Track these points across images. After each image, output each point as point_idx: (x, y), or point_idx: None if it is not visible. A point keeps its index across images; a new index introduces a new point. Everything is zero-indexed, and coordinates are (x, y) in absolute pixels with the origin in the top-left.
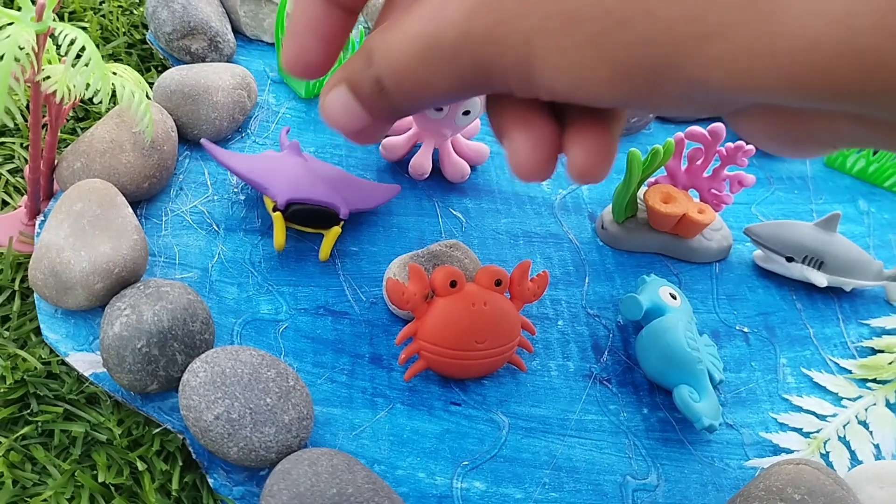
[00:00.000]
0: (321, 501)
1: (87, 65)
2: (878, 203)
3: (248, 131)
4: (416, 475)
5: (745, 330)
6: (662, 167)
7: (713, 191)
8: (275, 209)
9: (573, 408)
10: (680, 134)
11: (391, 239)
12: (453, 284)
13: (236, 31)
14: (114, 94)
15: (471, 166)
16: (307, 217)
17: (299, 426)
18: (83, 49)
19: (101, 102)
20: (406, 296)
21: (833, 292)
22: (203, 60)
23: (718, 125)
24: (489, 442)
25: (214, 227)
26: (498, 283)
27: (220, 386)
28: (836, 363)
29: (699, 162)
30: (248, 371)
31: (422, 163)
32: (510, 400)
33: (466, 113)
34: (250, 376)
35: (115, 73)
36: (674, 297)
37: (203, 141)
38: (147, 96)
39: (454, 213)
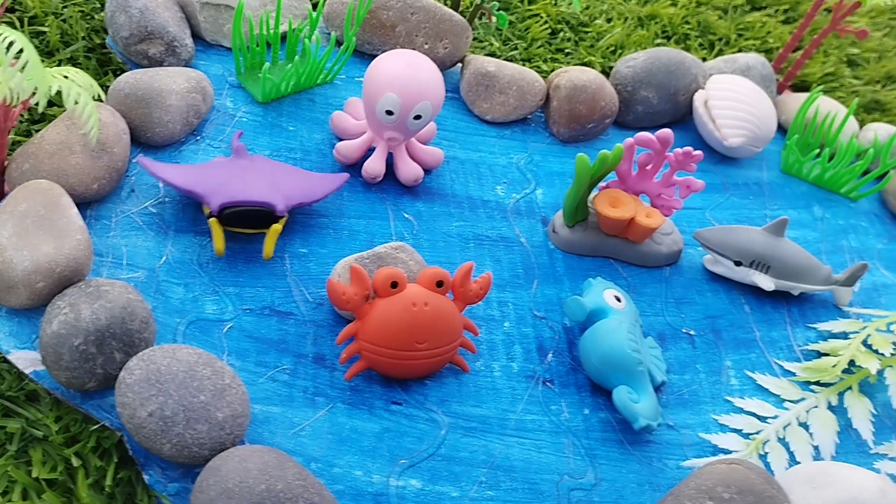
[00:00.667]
0: (249, 497)
1: (23, 68)
2: (833, 209)
3: (204, 135)
4: (353, 473)
5: (692, 333)
6: (613, 172)
7: (663, 195)
8: (210, 215)
9: (514, 408)
10: (630, 140)
11: (341, 241)
12: (394, 285)
13: (196, 36)
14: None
15: (426, 170)
16: (245, 218)
17: (233, 423)
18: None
19: (38, 104)
20: (346, 296)
21: (782, 296)
22: (161, 65)
23: (667, 131)
24: (428, 441)
25: (164, 228)
26: (440, 284)
27: (155, 383)
28: (780, 366)
29: (649, 167)
30: (183, 369)
31: (375, 166)
32: (451, 400)
33: (418, 118)
34: (185, 374)
35: (66, 77)
36: (618, 300)
37: (139, 158)
38: (100, 99)
39: (406, 216)
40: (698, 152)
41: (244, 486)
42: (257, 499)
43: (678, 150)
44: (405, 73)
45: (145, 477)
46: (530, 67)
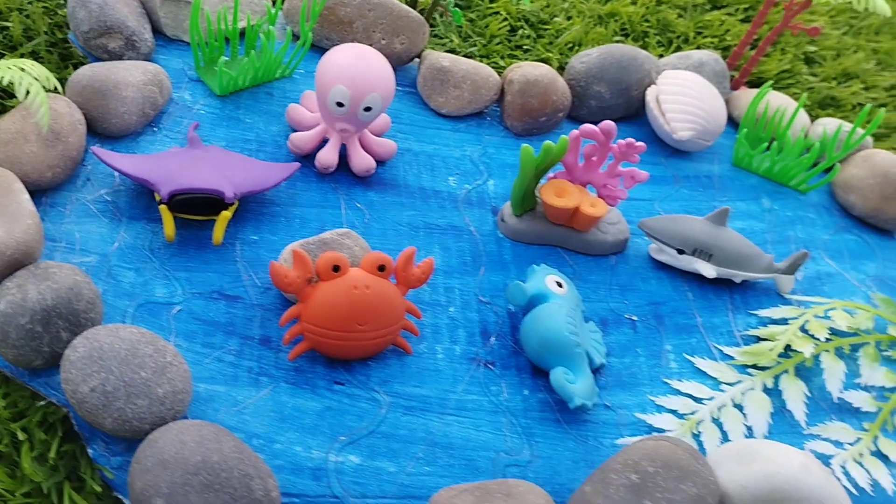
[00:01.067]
0: (184, 468)
1: None
2: (781, 201)
3: (161, 126)
4: (293, 449)
5: (634, 318)
6: (560, 163)
7: (608, 186)
8: (160, 202)
9: (455, 388)
10: (575, 132)
11: (292, 228)
12: (336, 269)
13: (158, 32)
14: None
15: (379, 161)
16: (196, 206)
17: (174, 399)
18: None
19: None
20: (288, 279)
21: (726, 284)
22: (120, 58)
23: (609, 122)
24: (368, 419)
25: (118, 215)
26: (381, 268)
27: (97, 360)
28: (719, 350)
29: (594, 158)
30: (125, 347)
31: (327, 157)
32: (393, 380)
33: (368, 109)
34: (127, 352)
35: (22, 69)
36: (560, 286)
37: (93, 148)
38: (56, 90)
39: (358, 205)
40: (640, 143)
41: (179, 457)
42: (192, 469)
43: (621, 141)
44: (354, 66)
45: (89, 451)
46: (488, 64)
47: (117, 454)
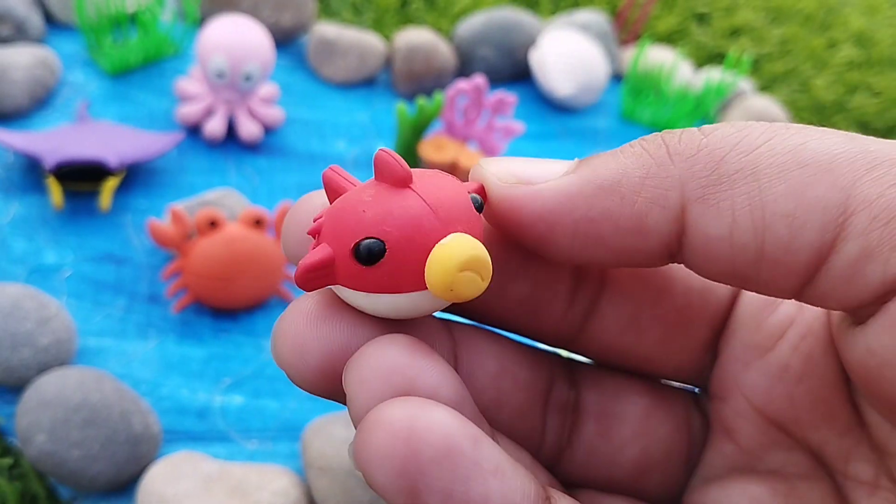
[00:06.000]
0: (65, 406)
1: None
2: None
3: (53, 105)
4: (180, 392)
5: None
6: (440, 121)
7: (487, 140)
8: (47, 173)
9: None
10: (451, 90)
11: (181, 195)
12: (213, 224)
13: (52, 18)
14: None
15: (267, 129)
16: (82, 175)
17: (58, 349)
18: None
19: None
20: (167, 235)
21: None
22: (12, 44)
23: (479, 79)
24: (253, 364)
25: (12, 189)
26: (258, 222)
27: None
28: None
29: (473, 115)
30: (9, 302)
31: (214, 126)
32: None
33: (248, 78)
34: (11, 306)
35: None
36: None
37: None
38: None
39: (247, 171)
40: (511, 97)
41: (61, 397)
42: (73, 407)
43: (493, 96)
44: (231, 37)
45: None
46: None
47: (10, 403)
